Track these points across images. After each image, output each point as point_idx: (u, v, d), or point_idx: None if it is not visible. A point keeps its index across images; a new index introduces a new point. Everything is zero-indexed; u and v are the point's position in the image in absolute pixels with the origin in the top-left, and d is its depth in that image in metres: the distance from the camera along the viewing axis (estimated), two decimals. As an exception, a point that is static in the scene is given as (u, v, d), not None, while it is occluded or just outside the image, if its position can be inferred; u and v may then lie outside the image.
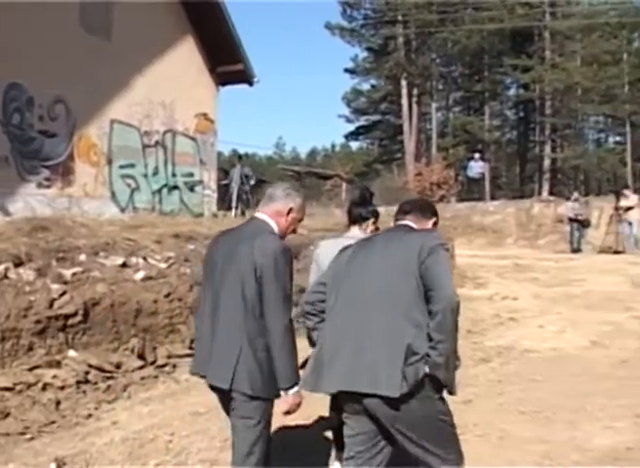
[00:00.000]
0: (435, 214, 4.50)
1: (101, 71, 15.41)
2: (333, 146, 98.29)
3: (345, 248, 4.37)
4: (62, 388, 7.66)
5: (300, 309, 4.70)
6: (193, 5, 18.27)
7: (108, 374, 8.30)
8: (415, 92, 51.01)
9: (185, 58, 18.71)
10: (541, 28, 49.16)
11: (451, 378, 3.82)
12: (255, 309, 4.11)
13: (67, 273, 8.97)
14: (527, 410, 7.26)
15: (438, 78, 57.04)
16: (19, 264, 8.74)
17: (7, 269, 8.51)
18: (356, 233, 5.51)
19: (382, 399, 3.68)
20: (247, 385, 4.07)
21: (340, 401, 3.96)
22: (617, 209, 22.27)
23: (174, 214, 17.41)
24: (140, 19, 16.78)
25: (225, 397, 4.22)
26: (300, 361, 4.23)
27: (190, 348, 9.45)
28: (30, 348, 7.95)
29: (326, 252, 5.50)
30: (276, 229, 4.37)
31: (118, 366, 8.54)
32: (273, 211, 4.42)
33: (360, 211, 5.62)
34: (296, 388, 4.15)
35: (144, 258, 10.34)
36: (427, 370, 3.67)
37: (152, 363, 8.99)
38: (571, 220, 22.93)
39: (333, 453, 5.50)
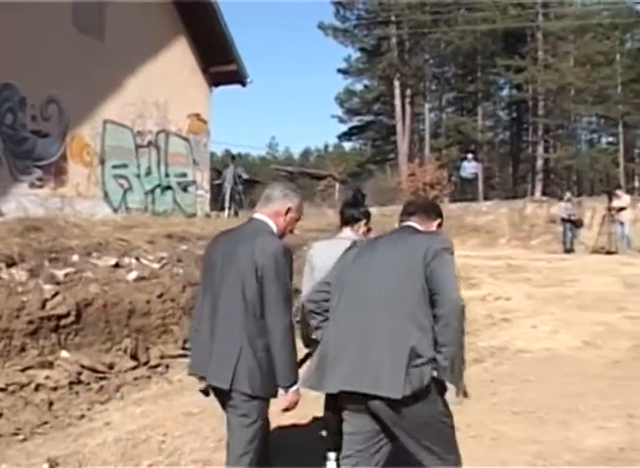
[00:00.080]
0: (440, 214, 4.51)
1: (94, 71, 15.38)
2: (326, 147, 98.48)
3: (350, 247, 4.40)
4: (55, 389, 7.65)
5: (295, 309, 4.70)
6: (186, 5, 18.26)
7: (101, 375, 8.29)
8: (408, 92, 51.06)
9: (178, 59, 18.69)
10: (534, 29, 49.25)
11: (457, 381, 3.83)
12: (255, 309, 4.13)
13: (60, 273, 8.96)
14: (520, 411, 7.27)
15: (431, 79, 57.12)
16: (11, 265, 8.72)
17: (-1, 269, 8.50)
18: (348, 234, 5.55)
19: (385, 400, 3.68)
20: (247, 385, 4.09)
21: (342, 400, 3.96)
22: (609, 209, 22.26)
23: (166, 214, 17.40)
24: (133, 20, 16.75)
25: (225, 396, 4.22)
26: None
27: (183, 348, 9.45)
28: (23, 349, 7.94)
29: (319, 253, 5.53)
30: (275, 229, 4.40)
31: (111, 366, 8.53)
32: (272, 211, 4.44)
33: (352, 212, 5.65)
34: (295, 387, 4.19)
35: (137, 259, 10.33)
36: (434, 373, 3.70)
37: (145, 363, 8.99)
38: (563, 221, 22.93)
39: (327, 454, 5.50)
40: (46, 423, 7.01)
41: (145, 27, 17.37)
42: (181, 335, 9.66)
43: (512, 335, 11.21)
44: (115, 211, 16.35)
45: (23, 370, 7.68)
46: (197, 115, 19.65)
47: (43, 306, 8.32)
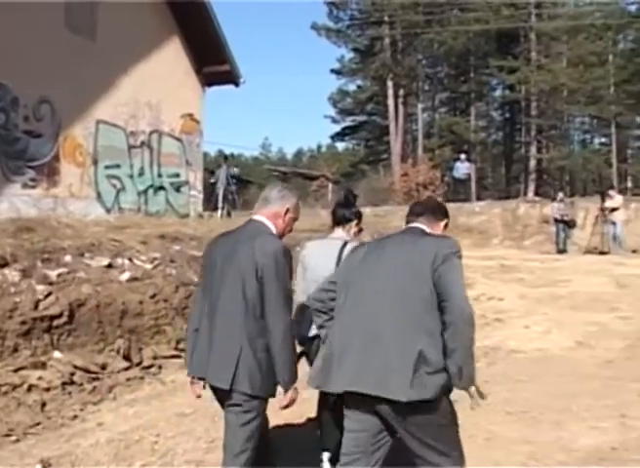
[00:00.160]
0: (446, 215, 4.50)
1: (87, 71, 15.36)
2: (319, 147, 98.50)
3: (358, 247, 4.42)
4: (48, 389, 7.64)
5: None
6: (179, 5, 18.24)
7: (94, 376, 8.29)
8: (401, 92, 51.07)
9: (171, 59, 18.67)
10: (527, 29, 49.29)
11: (468, 386, 3.83)
12: (255, 309, 4.16)
13: (53, 274, 8.95)
14: (513, 411, 7.28)
15: (424, 79, 57.09)
16: (3, 265, 8.71)
17: (-8, 270, 8.48)
18: (340, 234, 5.60)
19: (391, 402, 3.69)
20: (247, 385, 4.12)
21: (347, 399, 3.96)
22: (602, 209, 22.30)
23: (159, 214, 17.39)
24: (126, 20, 16.72)
25: (225, 396, 4.24)
26: None
27: (176, 349, 9.46)
28: (15, 349, 7.92)
29: (312, 253, 5.55)
30: (274, 230, 4.43)
31: (104, 367, 8.52)
32: (271, 212, 4.48)
33: (344, 212, 5.68)
34: (295, 385, 4.24)
35: (130, 259, 10.32)
36: (442, 381, 3.71)
37: (138, 364, 8.99)
38: (556, 221, 22.96)
39: (322, 455, 5.51)
40: (39, 424, 7.00)
41: (138, 27, 17.34)
42: (174, 336, 9.66)
43: (505, 336, 11.21)
44: (108, 211, 16.32)
45: (16, 371, 7.67)
46: (190, 115, 19.63)
47: (36, 307, 8.31)
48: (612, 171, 51.51)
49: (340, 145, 77.73)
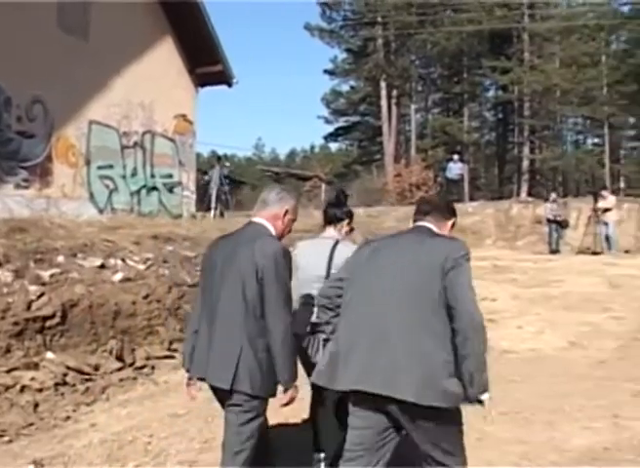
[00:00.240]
0: (454, 214, 4.46)
1: (79, 72, 15.34)
2: (312, 147, 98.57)
3: (365, 244, 4.40)
4: (40, 390, 7.62)
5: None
6: (172, 5, 18.22)
7: (87, 376, 8.27)
8: (394, 93, 51.18)
9: (164, 59, 18.65)
10: (520, 30, 49.42)
11: (479, 392, 3.86)
12: (255, 310, 4.20)
13: (45, 274, 8.93)
14: (506, 411, 7.27)
15: (417, 79, 57.22)
16: (-4, 266, 8.69)
17: (-16, 271, 8.46)
18: (332, 233, 5.64)
19: (398, 401, 3.69)
20: (248, 385, 4.16)
21: (353, 397, 3.96)
22: (595, 210, 22.34)
23: (152, 215, 17.36)
24: (118, 20, 16.70)
25: (225, 396, 4.27)
26: None
27: (169, 350, 9.45)
28: (8, 350, 7.90)
29: (303, 252, 5.57)
30: (274, 232, 4.48)
31: (96, 367, 8.51)
32: (270, 214, 4.53)
33: (335, 212, 5.71)
34: (294, 384, 4.31)
35: (123, 260, 10.31)
36: (457, 388, 3.73)
37: (131, 364, 8.97)
38: (549, 221, 22.98)
39: (315, 455, 5.50)
40: (31, 425, 6.98)
41: (131, 27, 17.32)
42: (167, 336, 9.66)
43: (498, 336, 11.19)
44: (101, 212, 16.30)
45: (9, 372, 7.64)
46: (183, 116, 19.61)
47: (28, 307, 8.29)
48: (604, 171, 51.62)
49: (334, 146, 77.98)
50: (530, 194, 40.96)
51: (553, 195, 24.45)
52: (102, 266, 9.87)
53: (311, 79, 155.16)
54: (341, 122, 61.40)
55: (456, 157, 29.65)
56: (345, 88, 59.79)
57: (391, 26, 49.72)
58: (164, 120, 18.77)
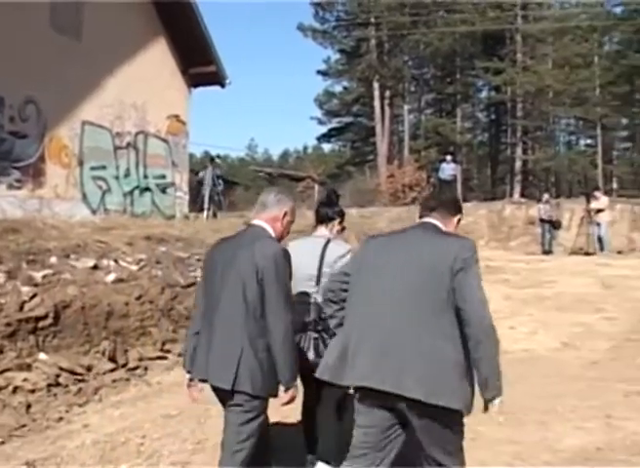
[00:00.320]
0: (460, 210, 4.45)
1: (72, 72, 15.31)
2: (305, 148, 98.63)
3: (371, 239, 4.42)
4: (33, 391, 7.61)
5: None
6: (165, 5, 18.19)
7: (79, 377, 8.26)
8: (387, 94, 51.20)
9: (157, 60, 18.62)
10: (513, 31, 49.46)
11: (494, 394, 3.89)
12: (256, 310, 4.26)
13: (38, 275, 8.91)
14: (499, 411, 7.28)
15: (410, 80, 57.14)
16: (-12, 266, 8.67)
17: (-24, 271, 8.44)
18: (323, 232, 5.70)
19: (409, 400, 3.69)
20: (248, 385, 4.20)
21: (360, 394, 3.96)
22: (587, 211, 22.41)
23: (145, 215, 17.34)
24: (111, 20, 16.66)
25: (226, 396, 4.32)
26: None
27: (162, 351, 9.44)
28: (0, 351, 7.88)
29: (295, 251, 5.55)
30: (273, 234, 4.55)
31: (89, 368, 8.49)
32: (269, 217, 4.60)
33: (326, 211, 5.76)
34: (294, 383, 4.38)
35: (116, 261, 10.29)
36: (469, 390, 3.77)
37: (123, 365, 8.95)
38: (542, 222, 23.02)
39: (314, 459, 5.50)
40: (24, 426, 6.97)
41: (124, 28, 17.28)
42: (160, 337, 9.65)
43: (491, 337, 11.20)
44: (94, 212, 16.26)
45: (1, 373, 7.63)
46: (176, 116, 19.58)
47: (21, 308, 8.27)
48: (597, 172, 51.66)
49: (327, 147, 78.04)
50: (523, 195, 41.01)
51: (546, 196, 24.51)
52: (95, 267, 9.85)
53: (304, 80, 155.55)
54: (334, 123, 61.37)
55: (448, 158, 29.65)
56: (338, 88, 59.88)
57: (384, 27, 49.71)
58: (157, 120, 18.73)
